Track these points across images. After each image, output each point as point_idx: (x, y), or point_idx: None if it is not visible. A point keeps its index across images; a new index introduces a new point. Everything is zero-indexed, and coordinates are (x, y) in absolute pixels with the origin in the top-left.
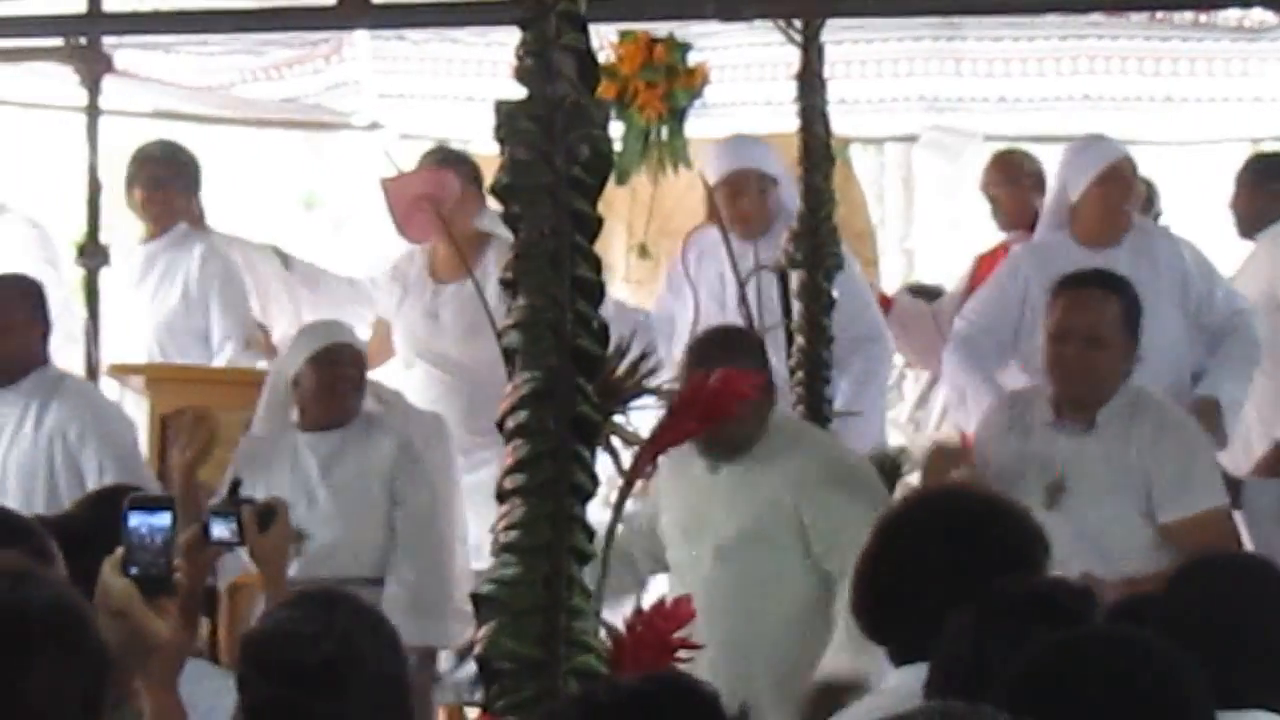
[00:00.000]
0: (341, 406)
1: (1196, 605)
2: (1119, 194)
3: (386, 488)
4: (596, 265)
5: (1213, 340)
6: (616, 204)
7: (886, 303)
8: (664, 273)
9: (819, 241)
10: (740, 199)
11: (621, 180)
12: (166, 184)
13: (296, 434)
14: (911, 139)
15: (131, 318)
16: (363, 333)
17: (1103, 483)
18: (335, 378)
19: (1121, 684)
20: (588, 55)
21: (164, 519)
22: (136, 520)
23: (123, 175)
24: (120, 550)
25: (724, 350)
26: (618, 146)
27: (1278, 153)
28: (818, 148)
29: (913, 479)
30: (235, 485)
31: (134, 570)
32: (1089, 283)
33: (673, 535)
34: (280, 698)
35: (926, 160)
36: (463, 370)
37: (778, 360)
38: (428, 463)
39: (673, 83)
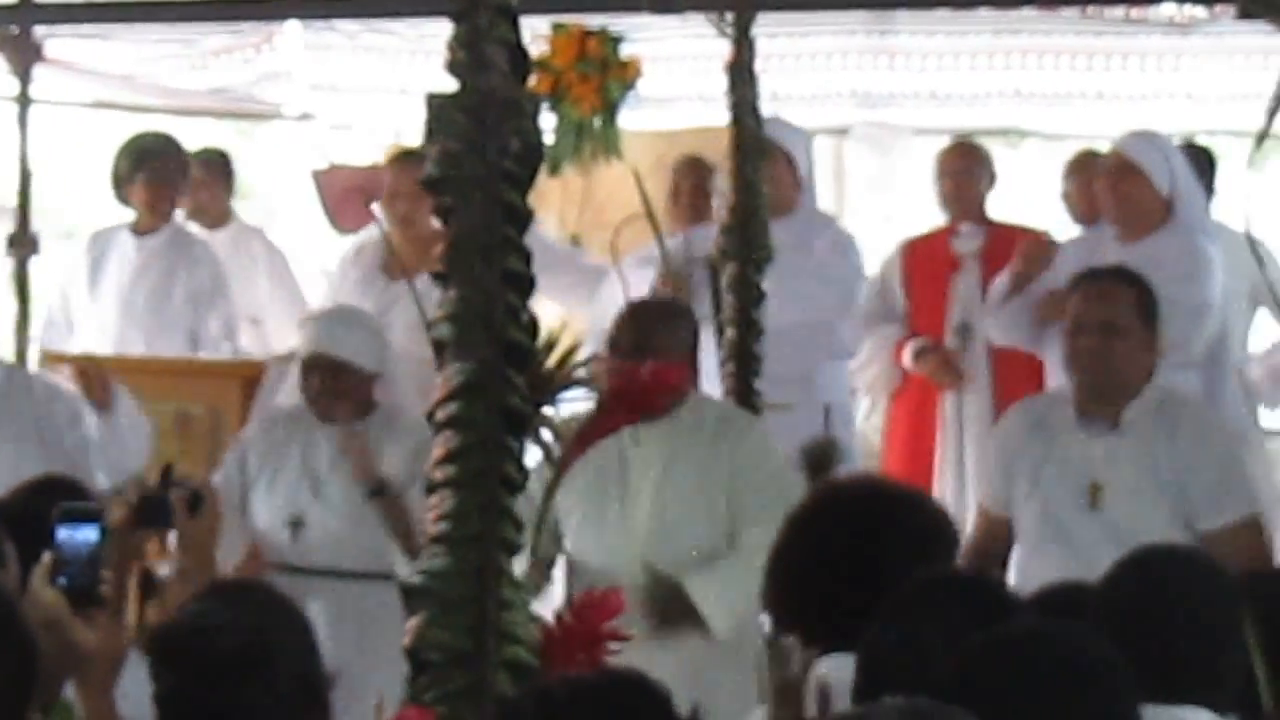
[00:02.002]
0: (324, 410)
1: (1133, 599)
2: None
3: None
4: (527, 258)
5: None
6: (549, 195)
7: None
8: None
9: (750, 235)
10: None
11: (554, 172)
12: (169, 178)
13: (315, 422)
14: (843, 133)
15: (104, 306)
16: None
17: (1135, 485)
18: (308, 385)
19: (1049, 680)
20: (519, 48)
21: (92, 532)
22: (65, 533)
23: (53, 164)
24: (48, 560)
25: (655, 322)
26: (551, 139)
27: (1202, 146)
28: (748, 141)
29: (842, 469)
30: (167, 469)
31: (62, 581)
32: (1103, 276)
33: (587, 495)
34: (190, 690)
35: (858, 154)
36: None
37: (708, 354)
38: None
39: (606, 75)
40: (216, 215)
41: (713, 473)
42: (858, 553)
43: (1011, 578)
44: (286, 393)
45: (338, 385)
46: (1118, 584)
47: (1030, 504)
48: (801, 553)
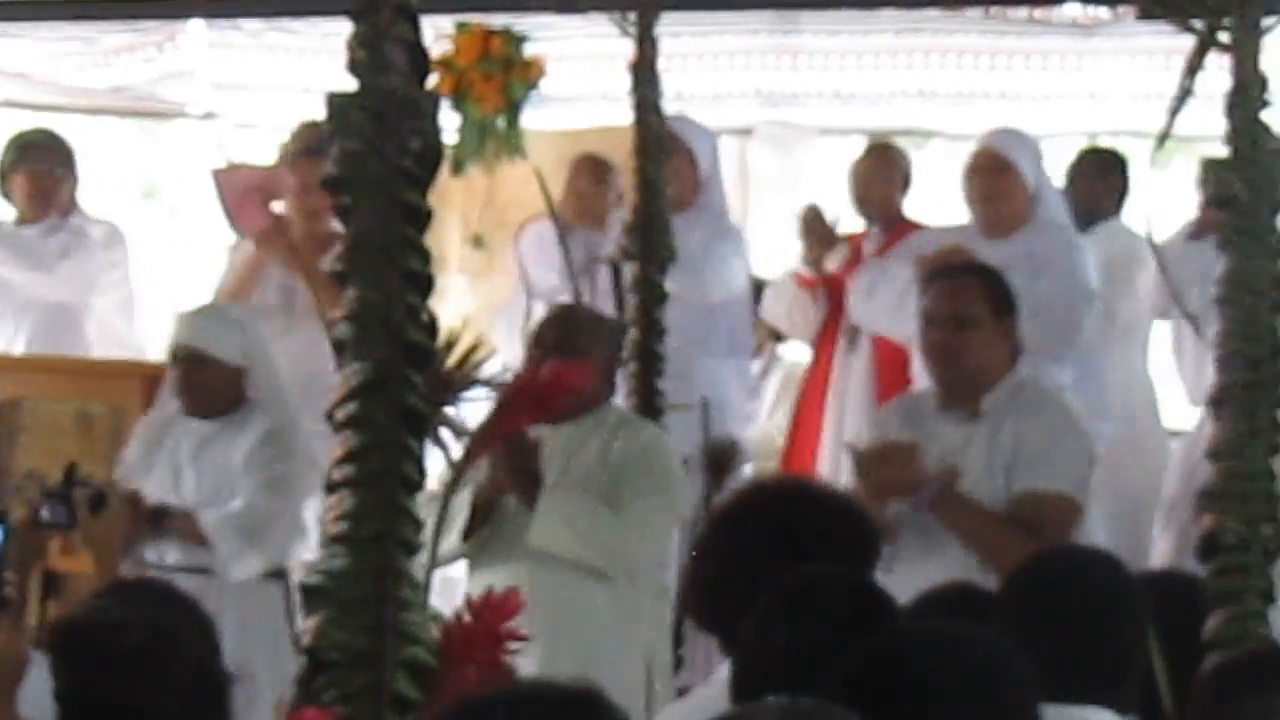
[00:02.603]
0: (187, 407)
1: (1036, 599)
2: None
3: (242, 479)
4: (426, 257)
5: None
6: (452, 195)
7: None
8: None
9: (652, 234)
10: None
11: (457, 171)
12: (52, 170)
13: (184, 418)
14: (747, 133)
15: None
16: None
17: (986, 471)
18: (172, 378)
19: (947, 682)
20: (419, 47)
21: None
22: None
23: None
24: None
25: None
26: (454, 138)
27: (1111, 148)
28: (652, 140)
29: (745, 471)
30: (70, 469)
31: None
32: (953, 271)
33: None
34: (92, 686)
35: (762, 154)
36: None
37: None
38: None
39: (509, 75)
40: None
41: (600, 473)
42: (777, 554)
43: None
44: (160, 402)
45: (199, 378)
46: (1021, 583)
47: None
48: (721, 553)
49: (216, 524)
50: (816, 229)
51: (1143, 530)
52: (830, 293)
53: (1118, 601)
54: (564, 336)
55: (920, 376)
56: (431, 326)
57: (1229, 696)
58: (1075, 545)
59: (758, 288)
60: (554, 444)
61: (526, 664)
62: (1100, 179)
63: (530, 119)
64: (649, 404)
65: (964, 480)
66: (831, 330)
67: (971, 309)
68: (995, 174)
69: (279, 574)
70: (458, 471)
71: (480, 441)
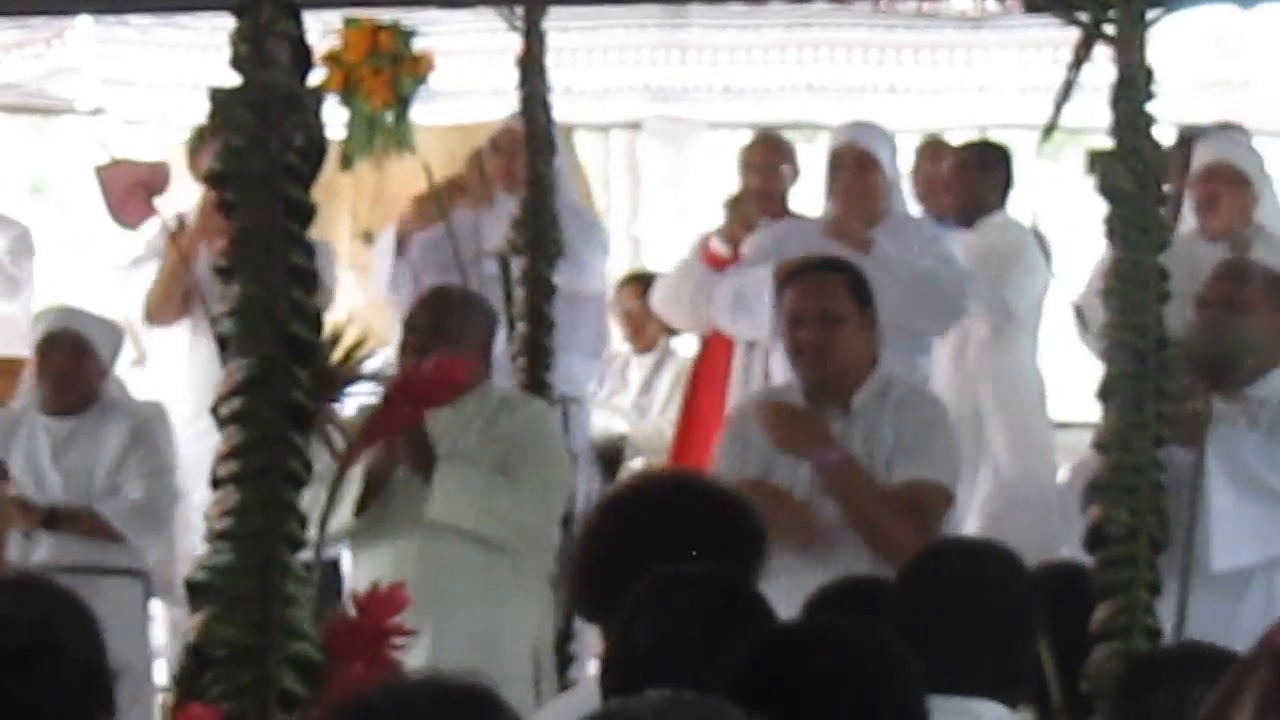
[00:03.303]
0: (59, 395)
1: (928, 593)
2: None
3: (112, 476)
4: (310, 252)
5: None
6: (342, 190)
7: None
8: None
9: (541, 228)
10: None
11: (346, 166)
12: None
13: (37, 415)
14: (636, 127)
15: None
16: None
17: (863, 463)
18: (49, 366)
19: (827, 679)
20: (302, 43)
21: None
22: None
23: None
24: None
25: (453, 309)
26: (344, 133)
27: (994, 141)
28: (539, 134)
29: (635, 465)
30: None
31: None
32: (815, 267)
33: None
34: None
35: (652, 148)
36: None
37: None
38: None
39: (398, 70)
40: None
41: (488, 449)
42: (661, 547)
43: None
44: (18, 398)
45: (77, 366)
46: (914, 577)
47: None
48: (606, 545)
49: (123, 516)
50: (743, 208)
51: (1034, 521)
52: None
53: (1009, 595)
54: (437, 321)
55: (778, 373)
56: (316, 322)
57: (1141, 691)
58: (968, 538)
59: (648, 281)
60: (436, 427)
61: (415, 643)
62: (984, 172)
63: (419, 114)
64: (537, 396)
65: None
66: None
67: (838, 305)
68: (861, 170)
69: (136, 572)
70: (342, 466)
71: (365, 436)
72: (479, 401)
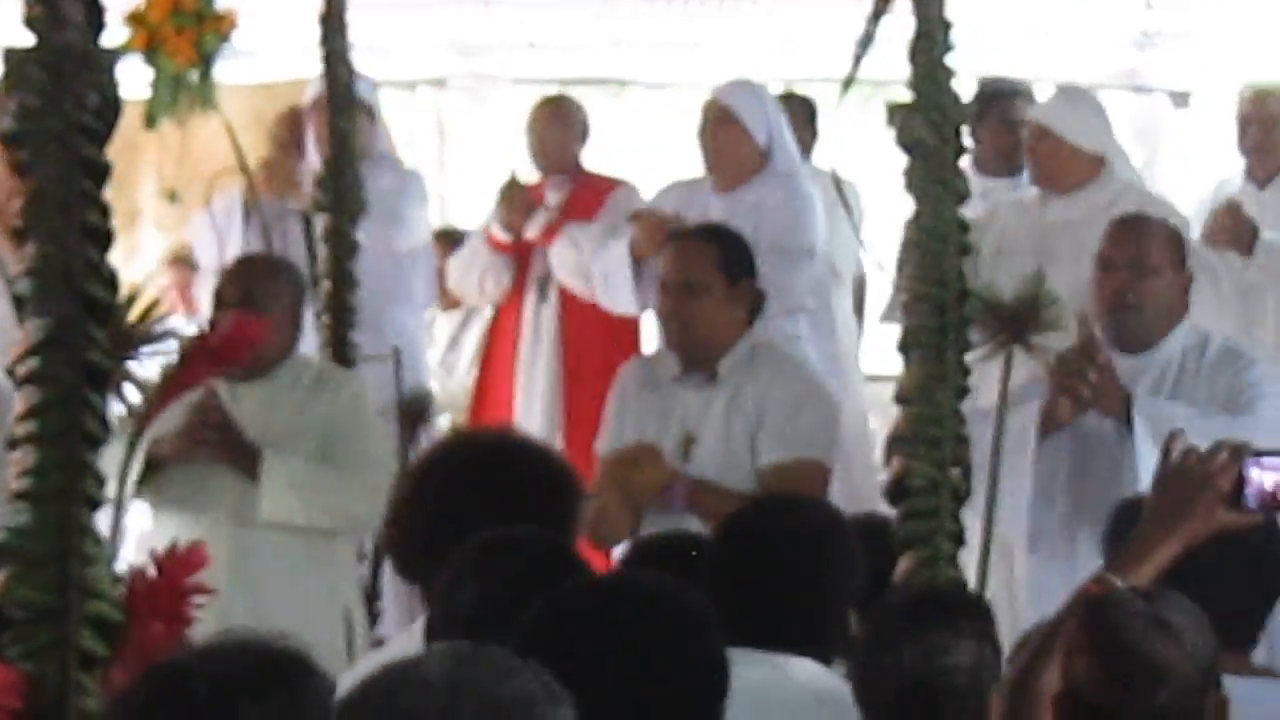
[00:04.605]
0: None
1: (742, 548)
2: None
3: None
4: (106, 212)
5: None
6: (146, 149)
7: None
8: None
9: (344, 186)
10: None
11: (151, 125)
12: None
13: None
14: (441, 83)
15: None
16: None
17: (724, 434)
18: None
19: (623, 629)
20: (95, 3)
21: None
22: None
23: None
24: None
25: (260, 276)
26: (147, 93)
27: (799, 94)
28: (341, 92)
29: (439, 422)
30: None
31: None
32: (688, 235)
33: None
34: None
35: (457, 105)
36: None
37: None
38: None
39: (201, 28)
40: None
41: (306, 430)
42: (481, 504)
43: None
44: None
45: None
46: (729, 533)
47: None
48: (425, 505)
49: None
50: (515, 196)
51: (850, 474)
52: (519, 254)
53: (823, 551)
54: (245, 291)
55: (654, 337)
56: (112, 281)
57: (884, 641)
58: (786, 494)
59: (454, 238)
60: (248, 402)
61: (229, 617)
62: (796, 128)
63: (223, 72)
64: (341, 355)
65: (701, 446)
66: (520, 284)
67: (700, 275)
68: (720, 126)
69: None
70: (139, 426)
71: (162, 394)
72: (291, 374)
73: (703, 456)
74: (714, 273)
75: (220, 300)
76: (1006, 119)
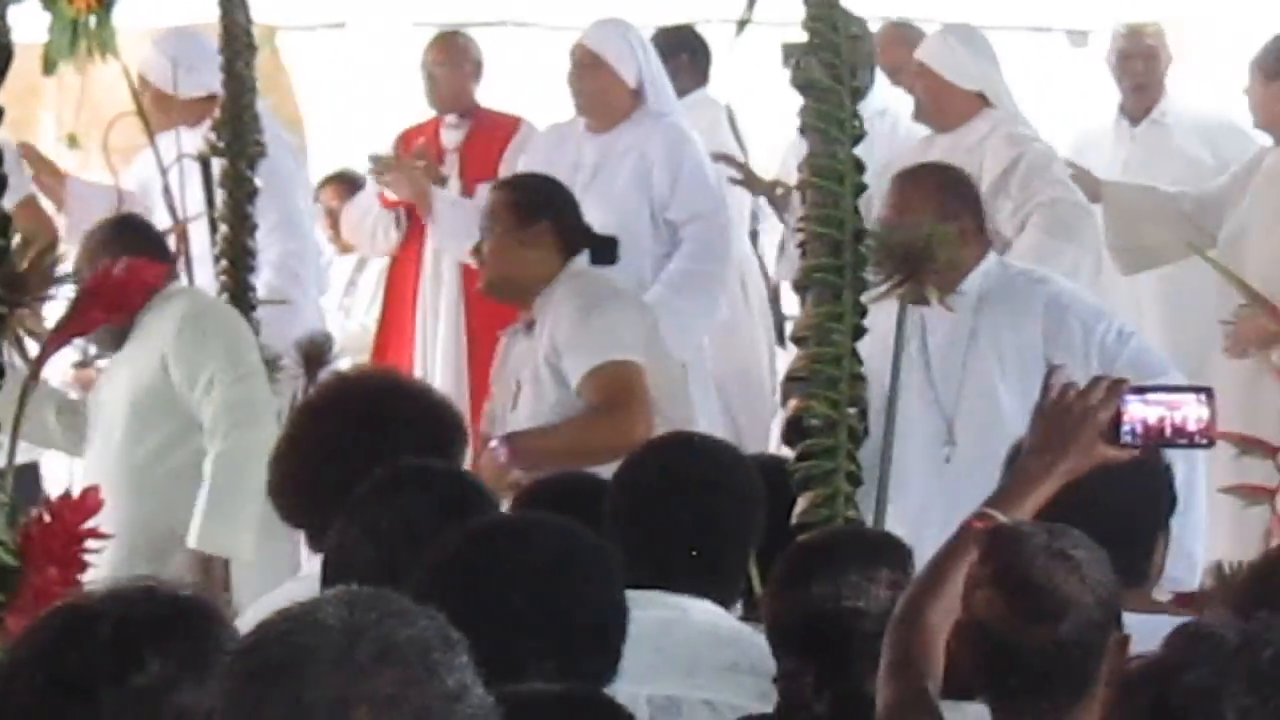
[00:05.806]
0: None
1: (641, 487)
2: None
3: None
4: None
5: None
6: (45, 95)
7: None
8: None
9: (241, 129)
10: None
11: (49, 71)
12: None
13: None
14: (340, 26)
15: None
16: None
17: (534, 378)
18: None
19: (521, 570)
20: None
21: None
22: None
23: None
24: None
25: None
26: (46, 37)
27: (683, 25)
28: (239, 35)
29: (340, 364)
30: None
31: None
32: (498, 183)
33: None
34: None
35: (356, 47)
36: None
37: (202, 249)
38: None
39: None
40: None
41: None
42: (365, 445)
43: None
44: None
45: None
46: (628, 473)
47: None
48: (309, 445)
49: None
50: (386, 164)
51: (755, 411)
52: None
53: (720, 488)
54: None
55: None
56: (4, 225)
57: (797, 579)
58: (687, 432)
59: (350, 181)
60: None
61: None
62: (671, 58)
63: (121, 17)
64: (241, 300)
65: (521, 394)
66: (417, 228)
67: (493, 218)
68: (587, 70)
69: None
70: (34, 369)
71: (55, 338)
72: (158, 312)
73: (521, 404)
74: (505, 214)
75: (86, 256)
76: None
